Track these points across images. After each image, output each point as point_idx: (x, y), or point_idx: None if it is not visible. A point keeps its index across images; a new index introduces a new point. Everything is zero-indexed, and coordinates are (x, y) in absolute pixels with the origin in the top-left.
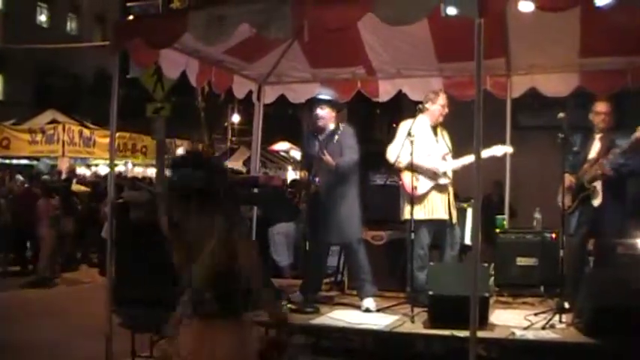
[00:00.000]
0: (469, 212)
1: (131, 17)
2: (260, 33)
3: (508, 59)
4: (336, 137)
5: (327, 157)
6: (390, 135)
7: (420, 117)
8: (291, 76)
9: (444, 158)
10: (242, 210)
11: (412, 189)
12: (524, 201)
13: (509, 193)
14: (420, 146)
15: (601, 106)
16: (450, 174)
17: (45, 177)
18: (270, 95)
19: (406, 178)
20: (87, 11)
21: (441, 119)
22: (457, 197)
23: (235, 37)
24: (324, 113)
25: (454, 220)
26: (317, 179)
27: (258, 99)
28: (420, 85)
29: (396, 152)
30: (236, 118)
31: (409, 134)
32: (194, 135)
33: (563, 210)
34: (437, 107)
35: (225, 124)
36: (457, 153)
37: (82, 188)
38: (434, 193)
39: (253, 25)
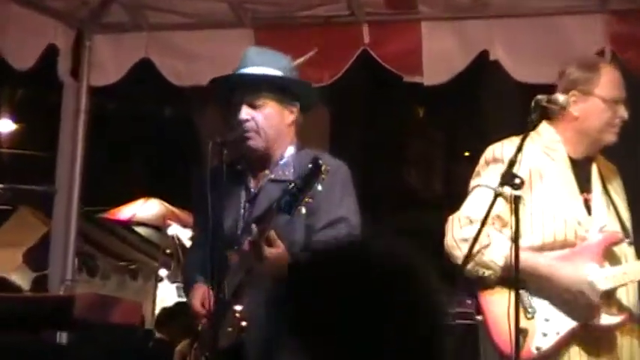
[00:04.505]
0: None
1: None
2: None
3: None
4: (298, 187)
5: (273, 250)
6: (455, 181)
7: (546, 131)
8: (172, 9)
9: (608, 253)
10: None
11: (514, 342)
12: None
13: None
14: (542, 217)
15: None
16: (630, 298)
17: None
18: (110, 64)
19: (494, 303)
20: None
21: (608, 139)
22: None
23: None
24: (263, 118)
25: None
26: (238, 308)
27: (74, 74)
28: (540, 39)
29: (470, 232)
30: (6, 126)
31: (509, 181)
32: None
33: None
34: (593, 107)
35: None
36: None
37: None
38: (579, 356)
39: None
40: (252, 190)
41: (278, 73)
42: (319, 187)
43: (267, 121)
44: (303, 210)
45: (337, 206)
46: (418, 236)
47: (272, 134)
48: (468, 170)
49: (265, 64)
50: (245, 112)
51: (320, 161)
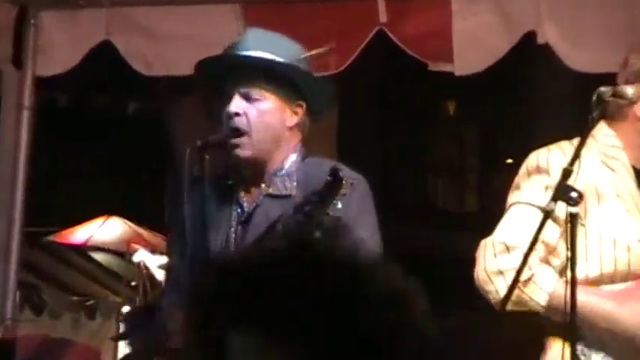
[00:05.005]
0: None
1: None
2: None
3: None
4: (314, 204)
5: None
6: (493, 195)
7: (603, 135)
8: None
9: None
10: None
11: None
12: None
13: None
14: (600, 242)
15: None
16: None
17: None
18: (62, 48)
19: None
20: None
21: None
22: None
23: None
24: (258, 114)
25: None
26: None
27: (16, 61)
28: (602, 16)
29: (506, 261)
30: None
31: (564, 195)
32: None
33: None
34: None
35: None
36: None
37: None
38: None
39: None
40: (245, 207)
41: (283, 59)
42: (339, 205)
43: (262, 117)
44: (318, 234)
45: (354, 228)
46: (444, 263)
47: (268, 135)
48: (509, 182)
49: (267, 49)
50: (236, 104)
51: (340, 173)
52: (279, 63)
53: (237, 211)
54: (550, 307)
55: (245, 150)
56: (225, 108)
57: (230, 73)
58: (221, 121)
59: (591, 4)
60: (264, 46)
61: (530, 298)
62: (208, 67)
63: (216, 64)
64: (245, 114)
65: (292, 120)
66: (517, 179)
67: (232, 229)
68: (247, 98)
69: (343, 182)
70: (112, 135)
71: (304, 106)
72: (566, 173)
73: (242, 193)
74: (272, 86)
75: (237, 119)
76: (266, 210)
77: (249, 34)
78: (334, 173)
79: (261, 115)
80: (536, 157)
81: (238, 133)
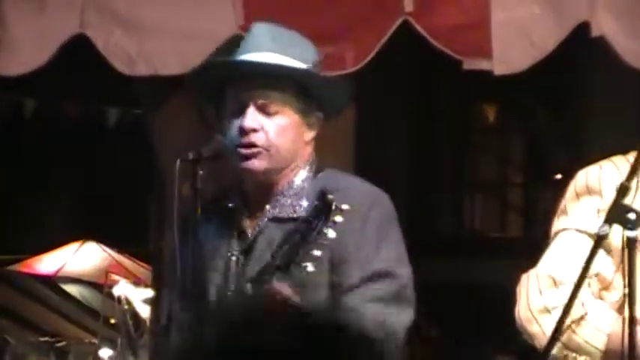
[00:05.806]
0: None
1: None
2: None
3: None
4: (301, 233)
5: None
6: (539, 218)
7: None
8: None
9: None
10: None
11: None
12: None
13: None
14: None
15: None
16: None
17: None
18: (28, 43)
19: None
20: None
21: None
22: None
23: None
24: (277, 131)
25: None
26: None
27: None
28: None
29: (554, 298)
30: None
31: (620, 216)
32: None
33: None
34: None
35: None
36: None
37: None
38: None
39: None
40: (247, 232)
41: (303, 66)
42: (330, 234)
43: (282, 134)
44: (310, 267)
45: (373, 257)
46: (480, 299)
47: (287, 154)
48: (558, 202)
49: (283, 51)
50: (252, 119)
51: (329, 197)
52: (305, 73)
53: (238, 238)
54: (609, 350)
55: (261, 161)
56: (232, 118)
57: (242, 79)
58: (217, 128)
59: None
60: (278, 47)
61: (584, 341)
62: (215, 72)
63: (223, 68)
64: (263, 130)
65: (309, 134)
66: (564, 202)
67: (233, 260)
68: (264, 111)
69: (333, 208)
70: (87, 146)
71: (321, 117)
72: (623, 190)
73: (244, 217)
74: (292, 98)
75: (253, 135)
76: (270, 237)
77: (257, 31)
78: (321, 197)
79: (281, 131)
80: (586, 176)
81: (254, 150)
